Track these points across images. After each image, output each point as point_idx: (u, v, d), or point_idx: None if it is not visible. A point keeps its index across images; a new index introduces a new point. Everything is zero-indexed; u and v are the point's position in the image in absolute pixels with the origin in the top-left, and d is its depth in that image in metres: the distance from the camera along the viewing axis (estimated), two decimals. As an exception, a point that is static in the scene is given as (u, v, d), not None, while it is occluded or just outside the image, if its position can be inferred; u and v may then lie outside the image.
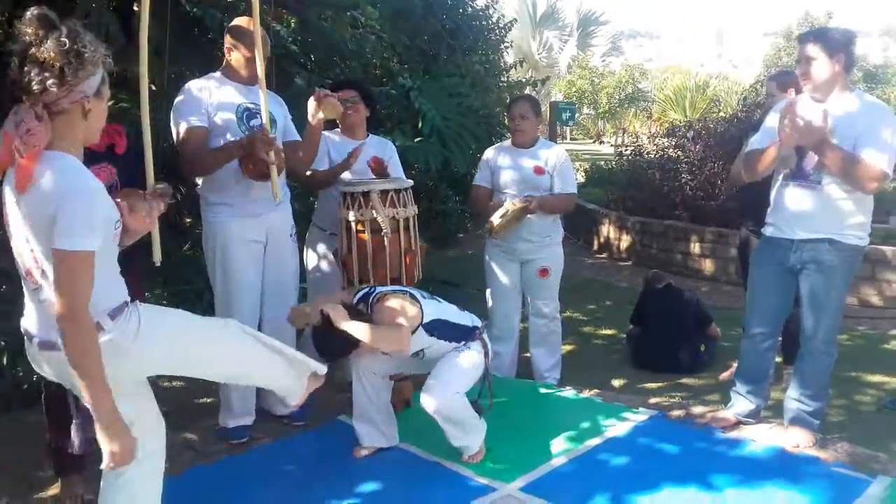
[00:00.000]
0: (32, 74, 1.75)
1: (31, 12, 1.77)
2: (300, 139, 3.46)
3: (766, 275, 3.24)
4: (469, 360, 3.05)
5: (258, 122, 3.18)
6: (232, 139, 3.16)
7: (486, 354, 3.13)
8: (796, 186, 3.09)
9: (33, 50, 1.75)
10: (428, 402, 2.94)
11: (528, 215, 3.81)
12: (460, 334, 3.08)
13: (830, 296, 3.07)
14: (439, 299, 3.17)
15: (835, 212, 3.01)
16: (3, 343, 3.82)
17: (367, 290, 3.07)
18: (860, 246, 3.07)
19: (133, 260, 2.37)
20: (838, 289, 3.09)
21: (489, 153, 4.14)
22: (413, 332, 2.90)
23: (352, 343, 2.84)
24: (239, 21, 3.26)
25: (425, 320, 2.96)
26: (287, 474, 3.03)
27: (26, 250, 1.87)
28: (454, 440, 3.05)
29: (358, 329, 2.78)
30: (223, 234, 3.29)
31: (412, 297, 3.00)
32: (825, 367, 3.16)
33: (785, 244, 3.13)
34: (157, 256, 2.78)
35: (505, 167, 3.99)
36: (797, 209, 3.08)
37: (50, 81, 1.75)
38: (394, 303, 2.93)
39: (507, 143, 4.11)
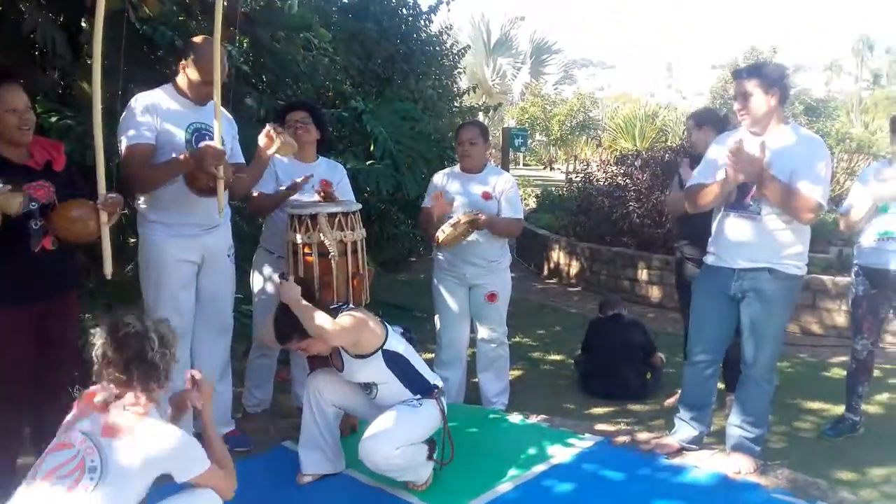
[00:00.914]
0: (141, 376, 2.11)
1: (124, 329, 2.13)
2: (243, 162, 3.42)
3: (708, 303, 3.28)
4: (420, 417, 2.96)
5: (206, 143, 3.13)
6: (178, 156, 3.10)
7: (443, 415, 3.05)
8: (737, 216, 3.15)
9: (136, 361, 2.12)
10: (367, 454, 2.86)
11: (476, 235, 3.83)
12: (418, 386, 3.02)
13: (770, 324, 3.13)
14: (412, 347, 3.13)
15: (774, 241, 3.08)
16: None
17: (338, 305, 3.07)
18: (799, 275, 3.15)
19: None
20: (778, 317, 3.15)
21: (437, 177, 4.16)
22: (370, 355, 2.90)
23: (303, 332, 2.86)
24: (197, 40, 3.20)
25: (386, 347, 2.93)
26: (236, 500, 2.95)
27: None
28: (399, 478, 3.00)
29: (306, 311, 2.83)
30: (157, 253, 3.22)
31: (383, 324, 2.99)
32: (765, 395, 3.21)
33: (726, 273, 3.18)
34: (108, 269, 2.72)
35: (453, 192, 4.00)
36: (737, 238, 3.14)
37: (154, 385, 2.15)
38: (360, 314, 2.93)
39: (457, 168, 4.13)
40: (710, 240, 3.31)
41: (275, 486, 3.11)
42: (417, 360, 3.10)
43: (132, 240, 5.34)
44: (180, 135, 3.16)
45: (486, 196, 3.94)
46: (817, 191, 2.96)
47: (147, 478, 2.01)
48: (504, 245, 4.11)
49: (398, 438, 2.86)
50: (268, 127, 3.27)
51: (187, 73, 3.20)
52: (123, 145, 3.11)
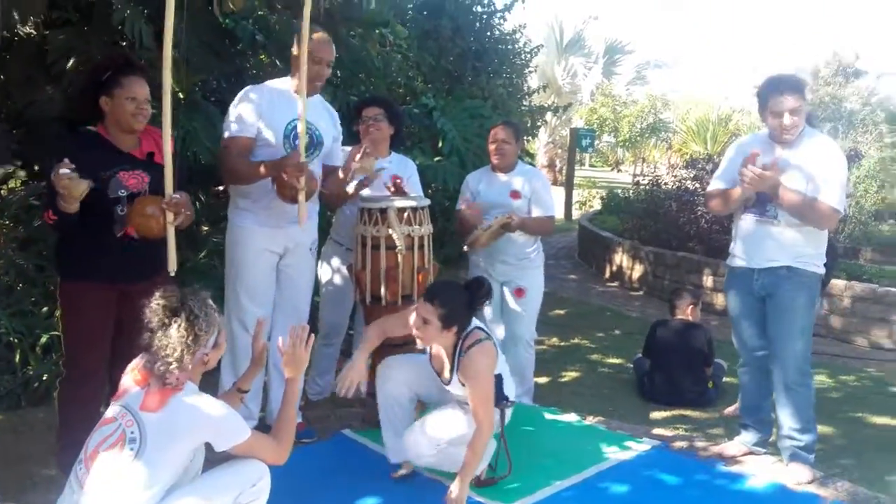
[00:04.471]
0: (160, 354, 2.09)
1: (159, 301, 2.11)
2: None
3: (740, 306, 3.35)
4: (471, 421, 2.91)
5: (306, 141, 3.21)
6: (277, 152, 3.20)
7: (501, 426, 3.03)
8: (756, 220, 3.23)
9: (159, 334, 2.09)
10: (407, 446, 2.93)
11: (509, 233, 3.85)
12: (498, 400, 2.97)
13: (794, 323, 3.16)
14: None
15: (792, 244, 3.15)
16: (15, 341, 3.89)
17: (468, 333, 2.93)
18: (817, 273, 3.20)
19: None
20: (801, 315, 3.17)
21: (470, 178, 4.20)
22: None
23: None
24: (317, 36, 3.25)
25: (497, 371, 2.93)
26: (292, 489, 3.05)
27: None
28: (452, 470, 2.98)
29: (468, 469, 2.83)
30: (242, 239, 3.35)
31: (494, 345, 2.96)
32: (805, 399, 3.21)
33: (748, 273, 3.25)
34: (173, 266, 2.83)
35: (483, 191, 4.04)
36: (756, 240, 3.22)
37: (173, 367, 2.08)
38: (490, 351, 2.88)
39: (488, 168, 4.15)
40: (732, 241, 3.38)
41: (334, 473, 3.19)
42: (506, 371, 3.07)
43: (205, 228, 5.56)
44: (279, 130, 3.26)
45: (515, 195, 3.96)
46: (834, 197, 3.02)
47: (186, 448, 2.08)
48: (536, 243, 4.10)
49: (441, 440, 2.91)
50: (364, 148, 3.37)
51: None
52: (224, 135, 3.26)
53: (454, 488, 2.78)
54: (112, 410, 2.12)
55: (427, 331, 2.82)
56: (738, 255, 3.32)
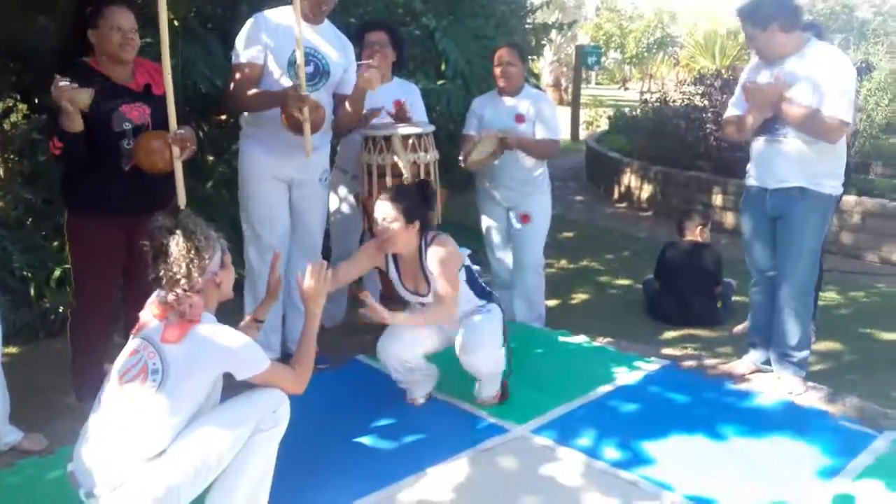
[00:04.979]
0: (168, 276, 2.11)
1: (154, 225, 2.14)
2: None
3: (753, 225, 3.37)
4: (496, 319, 3.06)
5: (310, 70, 3.17)
6: (281, 81, 3.19)
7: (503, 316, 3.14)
8: (766, 140, 3.22)
9: (161, 258, 2.11)
10: (478, 363, 2.99)
11: (516, 154, 3.82)
12: (481, 291, 3.12)
13: (801, 243, 3.16)
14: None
15: (802, 163, 3.12)
16: (29, 275, 3.92)
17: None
18: (832, 195, 3.18)
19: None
20: (809, 237, 3.17)
21: (476, 102, 4.12)
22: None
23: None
24: None
25: (466, 264, 3.03)
26: (310, 414, 3.11)
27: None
28: (484, 390, 3.11)
29: (408, 319, 2.92)
30: (250, 167, 3.37)
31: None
32: (804, 318, 3.25)
33: (762, 193, 3.25)
34: (182, 199, 2.83)
35: (489, 115, 3.98)
36: (768, 161, 3.22)
37: (182, 282, 2.11)
38: (449, 245, 2.97)
39: (494, 92, 4.06)
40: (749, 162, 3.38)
41: (351, 399, 3.26)
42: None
43: (210, 157, 5.52)
44: (283, 58, 3.21)
45: (520, 119, 3.89)
46: (840, 108, 2.97)
47: (207, 378, 2.11)
48: (542, 167, 4.05)
49: (496, 343, 3.01)
50: (363, 64, 3.30)
51: None
52: (234, 60, 3.24)
53: (386, 313, 2.80)
54: (133, 343, 2.15)
55: (392, 231, 2.87)
56: (752, 176, 3.33)
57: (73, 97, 2.54)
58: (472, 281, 3.08)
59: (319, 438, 2.87)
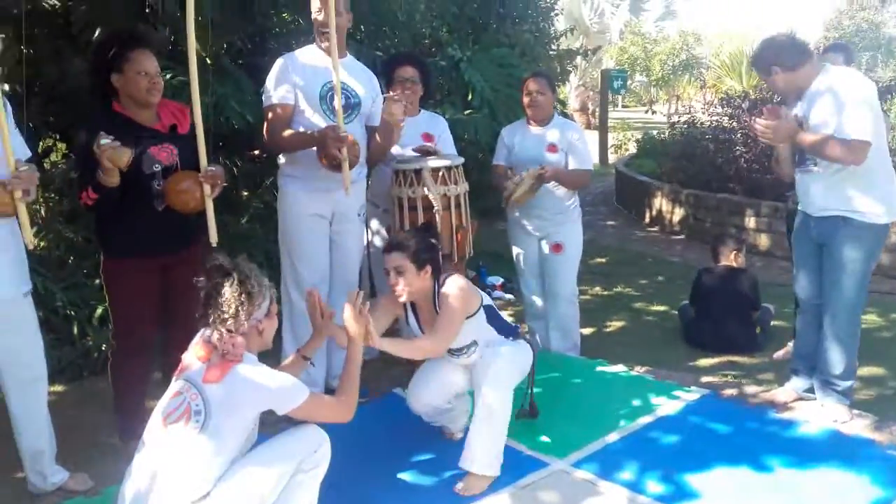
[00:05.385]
0: (216, 315, 2.15)
1: (212, 263, 2.20)
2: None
3: (801, 249, 3.34)
4: (521, 354, 2.96)
5: (342, 104, 3.19)
6: (313, 119, 3.24)
7: (533, 355, 3.03)
8: (800, 172, 3.23)
9: (213, 297, 2.16)
10: (486, 393, 2.77)
11: (545, 185, 3.79)
12: (507, 330, 3.00)
13: (847, 274, 3.10)
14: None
15: (836, 190, 3.09)
16: (71, 313, 3.99)
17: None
18: (876, 224, 3.09)
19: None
20: (855, 267, 3.10)
21: (505, 132, 4.13)
22: (475, 314, 2.87)
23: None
24: None
25: (485, 303, 2.94)
26: (347, 447, 3.11)
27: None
28: (473, 431, 2.82)
29: (392, 346, 2.76)
30: (289, 205, 3.40)
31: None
32: (851, 349, 3.18)
33: (808, 219, 3.25)
34: (213, 237, 2.87)
35: (519, 145, 3.97)
36: (805, 191, 3.23)
37: (229, 323, 2.14)
38: (462, 282, 2.86)
39: (523, 121, 4.07)
40: None
41: (390, 432, 3.24)
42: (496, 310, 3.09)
43: (244, 193, 5.61)
44: (314, 94, 3.26)
45: (552, 149, 3.88)
46: (854, 128, 2.93)
47: (247, 417, 2.13)
48: (573, 197, 4.04)
49: (503, 383, 2.81)
50: (391, 95, 3.34)
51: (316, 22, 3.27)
52: (265, 101, 3.29)
53: (375, 338, 2.60)
54: (176, 385, 2.18)
55: (405, 279, 2.77)
56: (799, 202, 3.34)
57: (113, 157, 2.58)
58: (493, 319, 2.97)
59: (359, 474, 2.86)
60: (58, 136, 5.36)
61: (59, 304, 3.99)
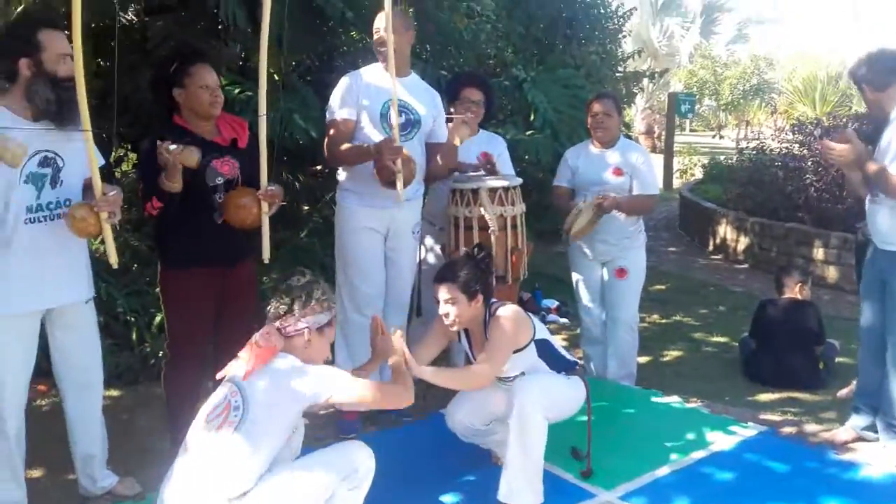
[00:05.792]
0: (273, 307, 2.25)
1: (300, 269, 2.35)
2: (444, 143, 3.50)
3: (866, 279, 3.25)
4: (568, 387, 2.88)
5: (401, 121, 3.26)
6: (372, 136, 3.29)
7: (587, 392, 2.94)
8: (867, 200, 3.18)
9: (281, 290, 2.27)
10: (518, 414, 2.68)
11: (606, 214, 3.73)
12: (562, 365, 2.93)
13: None
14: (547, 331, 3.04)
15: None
16: (132, 319, 4.09)
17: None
18: None
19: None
20: None
21: (569, 153, 4.08)
22: (525, 348, 2.82)
23: None
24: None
25: (537, 337, 2.87)
26: (393, 468, 3.09)
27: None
28: (508, 460, 2.73)
29: (434, 377, 2.68)
30: (346, 219, 3.45)
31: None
32: None
33: (876, 251, 3.17)
34: (267, 255, 2.92)
35: (584, 167, 3.92)
36: (872, 220, 3.16)
37: (282, 308, 2.23)
38: (511, 312, 2.79)
39: (587, 142, 4.02)
40: None
41: (434, 454, 3.22)
42: (556, 342, 3.01)
43: (305, 207, 5.69)
44: (375, 111, 3.32)
45: (618, 172, 3.82)
46: None
47: (289, 410, 2.14)
48: (638, 221, 3.97)
49: (551, 405, 2.74)
50: (461, 118, 3.41)
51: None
52: (329, 117, 3.37)
53: (414, 365, 2.55)
54: (221, 389, 2.22)
55: (457, 309, 2.73)
56: (868, 234, 3.27)
57: (185, 158, 2.66)
58: (545, 353, 2.89)
59: (400, 498, 2.83)
60: (129, 147, 5.55)
61: (120, 309, 4.10)
